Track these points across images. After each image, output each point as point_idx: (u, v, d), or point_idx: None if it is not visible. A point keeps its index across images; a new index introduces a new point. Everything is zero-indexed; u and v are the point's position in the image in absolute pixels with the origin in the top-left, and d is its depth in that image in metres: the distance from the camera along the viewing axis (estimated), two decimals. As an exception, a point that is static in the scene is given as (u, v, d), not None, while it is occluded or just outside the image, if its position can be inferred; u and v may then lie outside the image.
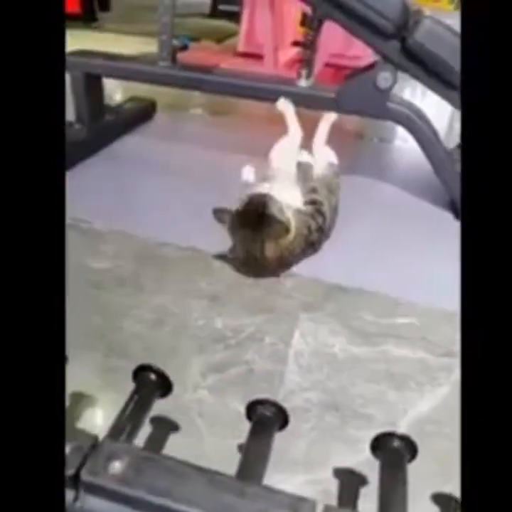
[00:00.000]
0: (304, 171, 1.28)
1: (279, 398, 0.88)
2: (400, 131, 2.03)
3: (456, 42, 1.21)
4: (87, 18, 3.93)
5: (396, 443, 0.50)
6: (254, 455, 0.47)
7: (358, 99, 1.40)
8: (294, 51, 3.14)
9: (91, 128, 1.70)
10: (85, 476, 0.39)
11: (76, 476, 0.39)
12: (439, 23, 1.25)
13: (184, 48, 1.61)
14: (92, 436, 0.43)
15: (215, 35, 3.95)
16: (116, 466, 0.40)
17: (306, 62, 1.45)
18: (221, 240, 1.16)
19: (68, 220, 1.33)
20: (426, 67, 1.30)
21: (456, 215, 1.48)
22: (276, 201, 1.09)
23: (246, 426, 0.81)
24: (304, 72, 1.45)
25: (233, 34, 3.65)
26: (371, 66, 1.43)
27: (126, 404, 0.53)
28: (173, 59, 1.55)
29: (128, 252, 1.23)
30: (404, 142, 2.06)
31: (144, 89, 1.91)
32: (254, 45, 3.14)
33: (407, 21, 1.27)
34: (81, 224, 1.33)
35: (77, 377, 0.82)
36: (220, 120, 2.28)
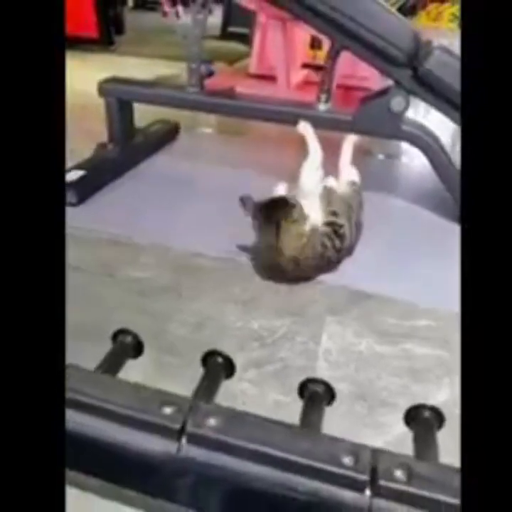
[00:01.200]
0: (326, 194, 1.36)
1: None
2: (405, 147, 2.16)
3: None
4: (104, 42, 4.10)
5: (427, 413, 0.61)
6: (310, 422, 0.57)
7: (373, 121, 1.52)
8: (304, 73, 3.30)
9: (123, 148, 1.83)
10: (191, 428, 0.50)
11: (180, 431, 0.50)
12: (449, 52, 1.37)
13: (210, 74, 1.74)
14: (189, 399, 0.54)
15: (226, 56, 4.10)
16: (212, 421, 0.51)
17: (324, 88, 1.58)
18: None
19: (108, 235, 1.46)
20: (436, 93, 1.42)
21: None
22: (296, 201, 1.22)
23: (284, 412, 0.92)
24: (322, 97, 1.58)
25: (244, 56, 3.81)
26: (385, 91, 1.55)
27: (200, 384, 0.64)
28: (201, 85, 1.68)
29: (166, 262, 1.35)
30: (410, 158, 2.18)
31: (158, 113, 2.04)
32: (266, 67, 3.28)
33: (418, 51, 1.39)
34: (120, 238, 1.44)
35: (138, 370, 0.93)
36: (236, 140, 2.41)
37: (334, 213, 1.30)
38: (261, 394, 0.98)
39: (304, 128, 1.52)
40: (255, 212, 1.24)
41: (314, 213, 1.28)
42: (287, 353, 1.08)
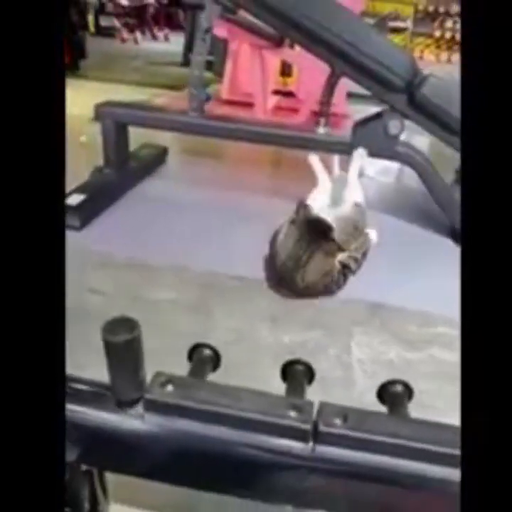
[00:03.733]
0: (354, 234, 1.30)
1: (354, 397, 1.03)
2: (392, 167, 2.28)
3: (458, 95, 1.45)
4: (71, 67, 4.08)
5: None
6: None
7: (370, 143, 1.60)
8: (275, 99, 3.40)
9: (120, 172, 1.84)
10: (322, 427, 0.53)
11: (313, 431, 0.53)
12: (443, 79, 1.49)
13: (208, 99, 1.79)
14: (310, 402, 0.57)
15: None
16: (339, 421, 0.54)
17: (323, 113, 1.66)
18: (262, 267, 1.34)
19: (121, 258, 1.46)
20: (431, 117, 1.53)
21: (456, 241, 1.70)
22: (334, 229, 1.25)
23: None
24: (321, 120, 1.66)
25: (210, 82, 3.88)
26: (378, 115, 1.65)
27: (287, 394, 0.67)
28: (202, 110, 1.72)
29: (186, 283, 1.36)
30: (398, 178, 2.30)
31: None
32: (238, 93, 3.38)
33: (414, 78, 1.50)
34: (134, 261, 1.44)
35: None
36: (220, 163, 2.46)
37: (355, 260, 1.33)
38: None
39: (313, 160, 1.56)
40: (302, 222, 1.24)
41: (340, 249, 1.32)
42: (323, 365, 1.11)
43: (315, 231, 1.24)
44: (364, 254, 1.45)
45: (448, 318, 1.28)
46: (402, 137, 1.71)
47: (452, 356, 1.16)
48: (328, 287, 1.31)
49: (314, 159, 1.56)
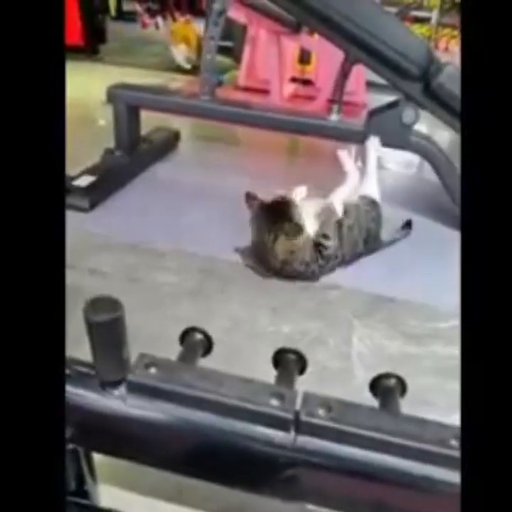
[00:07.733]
0: (325, 216, 1.38)
1: (352, 391, 1.01)
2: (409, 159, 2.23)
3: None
4: (90, 51, 4.08)
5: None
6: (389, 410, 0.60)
7: (384, 132, 1.57)
8: (293, 87, 3.36)
9: (131, 155, 1.83)
10: (304, 417, 0.51)
11: (294, 420, 0.52)
12: (458, 69, 1.44)
13: (220, 84, 1.76)
14: (294, 391, 0.56)
15: (212, 69, 4.08)
16: (321, 412, 0.52)
17: (336, 99, 1.63)
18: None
19: (126, 240, 1.45)
20: (446, 106, 1.49)
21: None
22: (297, 207, 1.28)
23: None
24: (334, 107, 1.62)
25: (229, 68, 3.85)
26: (393, 104, 1.61)
27: (277, 382, 0.65)
28: (213, 94, 1.70)
29: (189, 267, 1.35)
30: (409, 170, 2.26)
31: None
32: (256, 79, 3.34)
33: (430, 66, 1.46)
34: (140, 244, 1.44)
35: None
36: (232, 149, 2.44)
37: (325, 236, 1.33)
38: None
39: (342, 155, 1.54)
40: (258, 211, 1.31)
41: (311, 226, 1.33)
42: (323, 356, 1.10)
43: (274, 212, 1.28)
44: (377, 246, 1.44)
45: (451, 313, 1.25)
46: (424, 131, 1.67)
47: (454, 352, 1.13)
48: (307, 267, 1.31)
49: (343, 154, 1.53)
